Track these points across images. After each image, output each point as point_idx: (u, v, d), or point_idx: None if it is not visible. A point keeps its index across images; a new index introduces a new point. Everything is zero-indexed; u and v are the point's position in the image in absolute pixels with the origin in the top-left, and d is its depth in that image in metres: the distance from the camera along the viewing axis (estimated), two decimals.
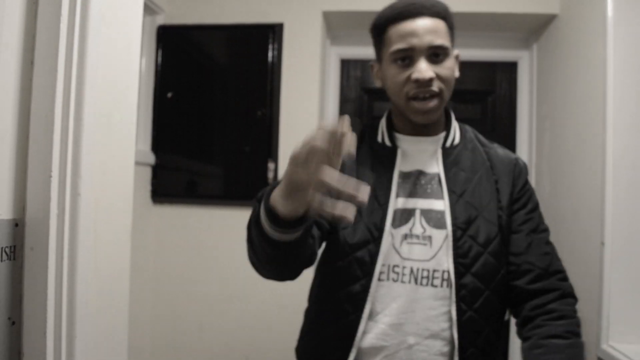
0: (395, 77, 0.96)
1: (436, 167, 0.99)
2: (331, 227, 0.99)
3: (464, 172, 0.99)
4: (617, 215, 1.40)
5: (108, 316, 0.69)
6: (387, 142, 1.03)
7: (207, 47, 2.09)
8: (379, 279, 0.95)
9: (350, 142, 0.63)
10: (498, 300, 0.96)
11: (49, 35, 0.60)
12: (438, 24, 0.94)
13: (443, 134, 1.03)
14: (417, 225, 0.96)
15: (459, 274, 0.92)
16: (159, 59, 2.07)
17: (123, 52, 0.71)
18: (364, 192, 0.61)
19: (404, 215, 0.97)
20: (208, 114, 2.05)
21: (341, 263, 0.96)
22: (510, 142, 2.17)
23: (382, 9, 0.99)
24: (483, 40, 2.18)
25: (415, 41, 0.92)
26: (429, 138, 1.02)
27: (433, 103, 0.94)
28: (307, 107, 2.01)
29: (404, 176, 0.99)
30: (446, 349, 0.93)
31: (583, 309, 1.48)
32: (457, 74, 1.00)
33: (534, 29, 2.08)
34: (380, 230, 0.94)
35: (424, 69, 0.92)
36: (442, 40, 0.93)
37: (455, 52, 1.00)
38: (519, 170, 1.02)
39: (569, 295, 0.95)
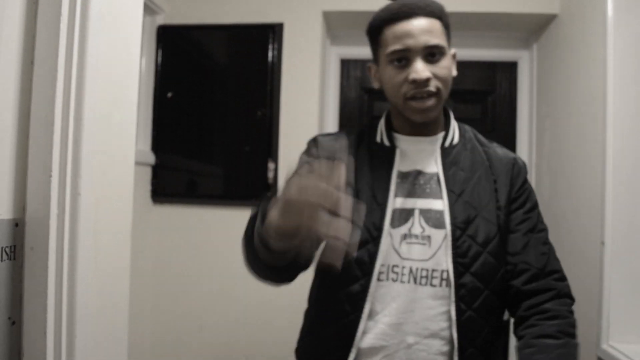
0: (393, 78, 0.96)
1: (435, 167, 0.99)
2: None
3: (463, 171, 0.99)
4: (617, 215, 1.40)
5: (108, 316, 0.69)
6: (386, 142, 1.03)
7: (207, 47, 2.09)
8: (378, 279, 0.95)
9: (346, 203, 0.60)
10: (497, 300, 0.96)
11: (49, 35, 0.60)
12: (433, 23, 0.94)
13: (442, 134, 1.03)
14: (416, 225, 0.96)
15: (458, 273, 0.92)
16: (159, 58, 2.07)
17: (123, 52, 0.71)
18: (355, 236, 0.59)
19: (403, 215, 0.97)
20: (208, 114, 2.05)
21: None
22: (510, 142, 2.17)
23: (377, 10, 0.99)
24: (483, 40, 2.18)
25: (410, 42, 0.93)
26: (428, 138, 1.02)
27: (431, 101, 0.95)
28: (307, 107, 2.01)
29: (403, 176, 0.99)
30: (445, 348, 0.93)
31: (583, 308, 1.48)
32: (454, 72, 1.00)
33: (534, 28, 2.08)
34: (379, 230, 0.95)
35: (420, 69, 0.92)
36: (437, 39, 0.94)
37: (452, 51, 1.00)
38: (518, 170, 1.02)
39: (565, 296, 0.95)
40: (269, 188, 1.97)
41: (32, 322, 0.59)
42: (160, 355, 2.05)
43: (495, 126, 2.19)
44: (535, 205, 1.01)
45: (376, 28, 0.99)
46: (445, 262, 0.94)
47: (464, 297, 0.92)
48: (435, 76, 0.94)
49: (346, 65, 2.25)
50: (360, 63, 2.22)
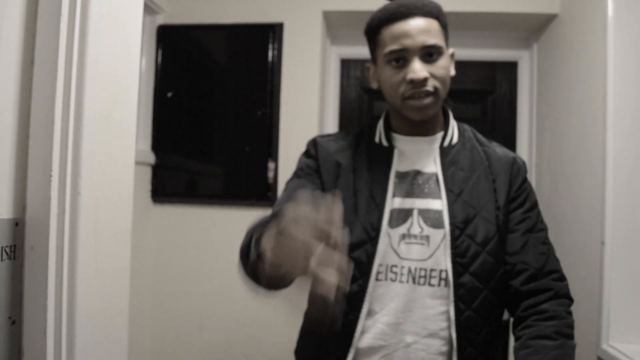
0: (391, 79, 0.96)
1: (433, 167, 0.99)
2: None
3: (462, 171, 0.99)
4: (617, 215, 1.40)
5: (108, 316, 0.69)
6: (384, 143, 1.03)
7: (207, 46, 2.09)
8: (377, 279, 0.95)
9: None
10: (496, 300, 0.96)
11: (49, 35, 0.60)
12: (431, 23, 0.94)
13: (441, 134, 1.03)
14: (415, 225, 0.96)
15: (457, 273, 0.92)
16: (159, 58, 2.07)
17: (123, 51, 0.71)
18: (343, 268, 0.56)
19: (402, 215, 0.97)
20: (208, 114, 2.05)
21: None
22: (510, 141, 2.17)
23: (375, 10, 0.99)
24: (483, 40, 2.18)
25: (408, 42, 0.93)
26: (427, 138, 1.02)
27: (428, 99, 0.95)
28: (307, 107, 2.00)
29: (401, 176, 0.99)
30: (445, 348, 0.93)
31: (583, 308, 1.48)
32: (452, 72, 1.00)
33: (534, 28, 2.08)
34: (377, 230, 0.95)
35: (418, 69, 0.92)
36: (435, 39, 0.94)
37: (450, 50, 1.00)
38: (517, 169, 1.02)
39: (563, 296, 0.94)
40: (269, 188, 1.97)
41: (32, 321, 0.59)
42: (160, 355, 2.05)
43: (496, 126, 2.19)
44: (534, 205, 1.01)
45: (374, 28, 0.99)
46: (444, 261, 0.94)
47: (462, 296, 0.92)
48: (433, 76, 0.94)
49: (346, 65, 2.25)
50: (360, 63, 2.22)
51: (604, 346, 1.38)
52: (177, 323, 2.05)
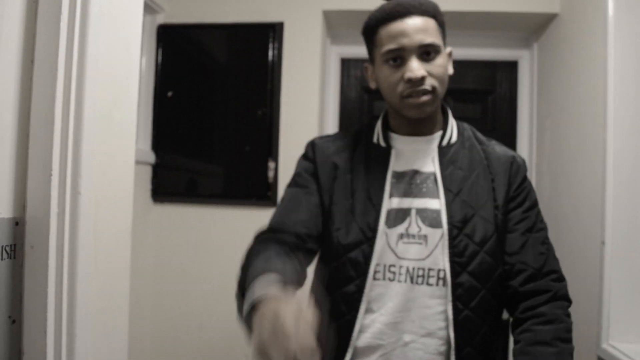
0: (389, 78, 0.96)
1: (432, 166, 0.99)
2: (324, 230, 0.99)
3: (461, 170, 0.98)
4: (617, 215, 1.40)
5: (108, 315, 0.69)
6: (382, 143, 1.03)
7: (208, 46, 2.09)
8: (375, 278, 0.95)
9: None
10: (495, 299, 0.95)
11: (49, 34, 0.60)
12: (428, 22, 0.94)
13: (439, 133, 1.03)
14: (413, 224, 0.96)
15: (455, 272, 0.92)
16: (159, 58, 2.07)
17: (123, 51, 0.71)
18: None
19: (400, 215, 0.97)
20: (208, 113, 2.05)
21: (335, 264, 0.97)
22: (510, 141, 2.16)
23: (372, 10, 0.99)
24: (483, 40, 2.18)
25: (405, 41, 0.93)
26: (425, 137, 1.02)
27: (426, 97, 0.94)
28: (307, 107, 2.00)
29: (398, 176, 0.99)
30: (443, 348, 0.93)
31: (583, 308, 1.48)
32: (450, 71, 1.00)
33: (534, 28, 2.08)
34: (374, 230, 0.95)
35: (415, 68, 0.92)
36: (432, 38, 0.94)
37: (448, 49, 1.00)
38: (516, 168, 1.01)
39: (562, 298, 0.94)
40: (269, 187, 1.97)
41: (32, 320, 0.59)
42: (160, 355, 2.05)
43: (496, 126, 2.19)
44: (534, 204, 1.01)
45: (371, 28, 0.99)
46: (442, 261, 0.93)
47: (460, 296, 0.92)
48: (431, 74, 0.94)
49: (346, 64, 2.25)
50: (360, 62, 2.22)
51: (604, 346, 1.38)
52: (177, 322, 2.05)
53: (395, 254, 0.95)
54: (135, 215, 0.75)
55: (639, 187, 1.40)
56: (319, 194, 1.01)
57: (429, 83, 0.94)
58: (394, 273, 0.95)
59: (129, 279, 0.74)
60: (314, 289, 1.07)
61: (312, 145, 1.08)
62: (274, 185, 1.97)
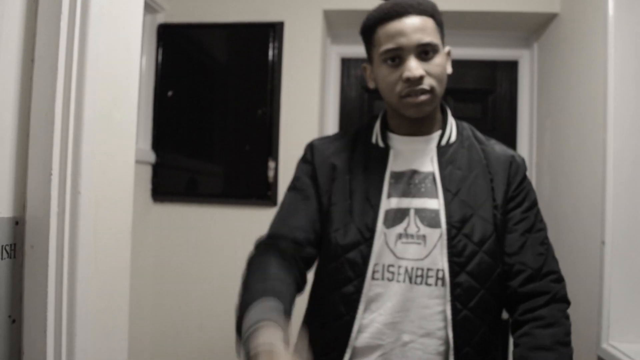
0: (387, 78, 0.96)
1: (430, 166, 0.99)
2: (322, 231, 1.00)
3: (460, 170, 0.98)
4: (617, 215, 1.40)
5: (108, 315, 0.69)
6: (380, 143, 1.03)
7: (208, 45, 2.09)
8: (374, 278, 0.95)
9: None
10: (494, 299, 0.95)
11: (49, 34, 0.60)
12: (426, 21, 0.94)
13: (438, 132, 1.02)
14: (412, 224, 0.96)
15: (453, 272, 0.92)
16: (160, 57, 2.07)
17: (123, 50, 0.71)
18: None
19: (398, 215, 0.96)
20: (208, 113, 2.05)
21: (334, 265, 0.97)
22: (510, 141, 2.16)
23: (370, 10, 0.99)
24: (484, 39, 2.18)
25: (403, 40, 0.93)
26: (424, 137, 1.02)
27: (424, 96, 0.94)
28: (307, 106, 2.00)
29: (396, 176, 0.99)
30: (442, 348, 0.93)
31: (583, 308, 1.48)
32: (449, 70, 1.00)
33: (534, 27, 2.08)
34: (372, 231, 0.95)
35: (413, 67, 0.92)
36: (430, 37, 0.93)
37: (446, 48, 1.00)
38: (516, 168, 1.01)
39: (561, 299, 0.93)
40: (269, 187, 1.97)
41: (32, 320, 0.59)
42: (160, 355, 2.05)
43: (496, 125, 2.19)
44: (533, 204, 1.00)
45: (369, 28, 0.99)
46: (441, 261, 0.93)
47: (459, 296, 0.92)
48: (429, 74, 0.94)
49: (346, 64, 2.25)
50: (360, 62, 2.22)
51: (604, 345, 1.38)
52: (177, 322, 2.05)
53: (394, 254, 0.95)
54: (135, 215, 0.75)
55: (639, 187, 1.40)
56: (317, 198, 1.02)
57: (427, 82, 0.94)
58: (392, 273, 0.95)
59: (129, 279, 0.74)
60: (312, 291, 1.07)
61: (310, 148, 1.08)
62: (274, 185, 1.97)
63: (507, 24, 2.07)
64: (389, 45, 0.94)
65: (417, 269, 0.94)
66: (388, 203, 0.97)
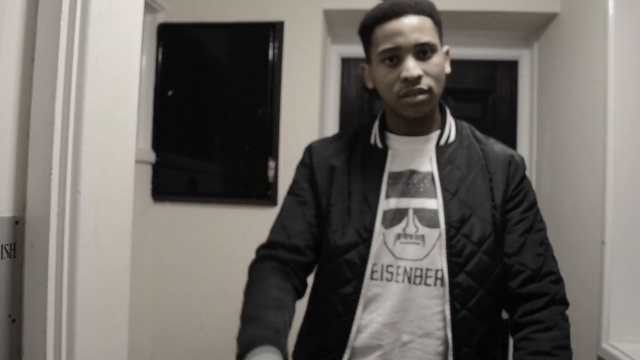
0: (385, 77, 0.96)
1: (429, 166, 0.99)
2: (321, 232, 1.00)
3: (459, 170, 0.98)
4: (617, 214, 1.40)
5: (108, 315, 0.69)
6: (379, 144, 1.03)
7: (208, 45, 2.09)
8: (373, 279, 0.95)
9: None
10: (493, 299, 0.95)
11: (49, 33, 0.60)
12: (424, 21, 0.94)
13: (437, 132, 1.02)
14: (411, 224, 0.96)
15: (452, 272, 0.92)
16: (160, 57, 2.07)
17: (123, 50, 0.71)
18: None
19: (397, 215, 0.96)
20: (208, 112, 2.05)
21: (332, 265, 0.97)
22: (511, 141, 2.16)
23: (368, 10, 0.99)
24: (484, 39, 2.18)
25: (401, 40, 0.93)
26: (422, 137, 1.02)
27: (422, 96, 0.94)
28: (307, 106, 2.00)
29: (395, 177, 0.99)
30: (441, 348, 0.93)
31: (583, 308, 1.48)
32: (447, 69, 1.00)
33: (534, 27, 2.08)
34: (370, 231, 0.95)
35: (411, 67, 0.92)
36: (428, 37, 0.93)
37: (445, 48, 1.00)
38: (515, 167, 1.00)
39: (560, 301, 0.93)
40: (269, 187, 1.97)
41: (32, 320, 0.59)
42: (160, 355, 2.05)
43: (496, 125, 2.19)
44: (533, 204, 1.00)
45: (367, 28, 0.99)
46: (440, 261, 0.93)
47: (458, 296, 0.92)
48: (427, 73, 0.93)
49: (347, 63, 2.25)
50: (360, 62, 2.22)
51: (604, 345, 1.38)
52: (178, 322, 2.05)
53: (393, 254, 0.95)
54: (135, 215, 0.75)
55: (639, 187, 1.40)
56: (315, 202, 1.02)
57: (425, 82, 0.93)
58: (391, 273, 0.95)
59: (129, 279, 0.74)
60: (311, 291, 1.07)
61: (309, 151, 1.08)
62: (274, 185, 1.97)
63: (507, 24, 2.07)
64: (387, 45, 0.94)
65: (416, 269, 0.94)
66: (386, 203, 0.97)
